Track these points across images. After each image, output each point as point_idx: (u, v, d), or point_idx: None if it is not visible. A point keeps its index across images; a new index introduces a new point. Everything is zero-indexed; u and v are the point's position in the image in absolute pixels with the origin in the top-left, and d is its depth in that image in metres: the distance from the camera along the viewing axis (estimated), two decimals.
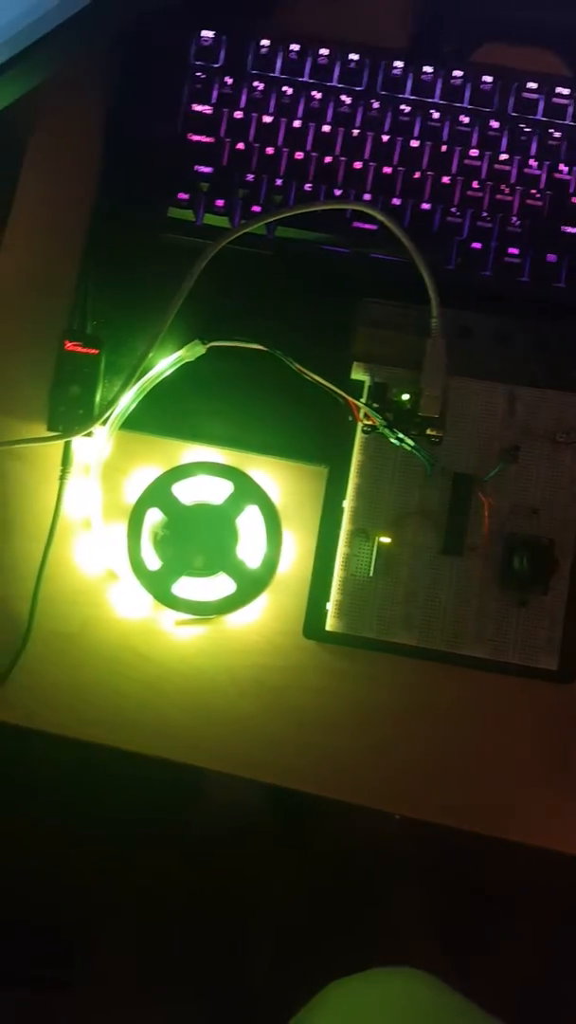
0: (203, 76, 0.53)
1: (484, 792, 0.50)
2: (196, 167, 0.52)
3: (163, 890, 0.84)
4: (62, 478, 0.51)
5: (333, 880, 0.84)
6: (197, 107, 0.52)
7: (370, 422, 0.50)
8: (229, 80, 0.52)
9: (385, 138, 0.52)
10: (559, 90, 0.52)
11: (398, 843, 0.84)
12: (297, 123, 0.52)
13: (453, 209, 0.52)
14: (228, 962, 0.84)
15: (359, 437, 0.51)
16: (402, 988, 0.53)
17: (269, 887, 0.84)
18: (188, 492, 0.51)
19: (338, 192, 0.52)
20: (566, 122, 0.53)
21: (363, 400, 0.51)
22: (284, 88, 0.52)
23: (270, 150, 0.52)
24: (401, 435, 0.50)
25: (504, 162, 0.52)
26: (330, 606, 0.50)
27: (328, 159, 0.52)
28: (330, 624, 0.50)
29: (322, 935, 0.82)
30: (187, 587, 0.50)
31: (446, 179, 0.52)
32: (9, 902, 0.83)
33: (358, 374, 0.51)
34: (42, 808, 0.84)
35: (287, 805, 0.83)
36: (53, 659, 0.50)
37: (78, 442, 0.52)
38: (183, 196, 0.52)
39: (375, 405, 0.51)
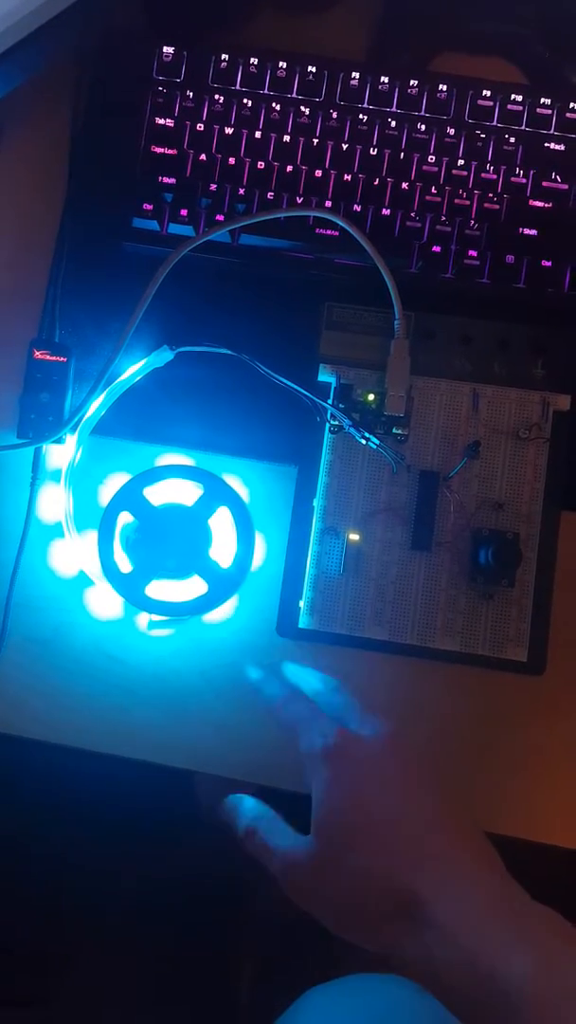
0: (165, 90, 0.54)
1: (459, 785, 0.50)
2: (160, 178, 0.53)
3: (145, 898, 0.84)
4: (33, 484, 0.51)
5: None
6: (160, 120, 0.54)
7: (337, 422, 0.51)
8: (191, 93, 0.54)
9: (345, 146, 0.54)
10: (513, 97, 0.54)
11: None
12: (258, 134, 0.53)
13: (413, 214, 0.53)
14: (213, 971, 0.84)
15: (327, 437, 0.52)
16: (382, 995, 0.53)
17: (255, 892, 0.83)
18: (159, 495, 0.51)
19: (300, 200, 0.53)
20: (521, 128, 0.54)
21: (330, 401, 0.52)
22: (244, 100, 0.54)
23: (232, 160, 0.53)
24: (367, 434, 0.51)
25: (461, 167, 0.54)
26: (302, 604, 0.50)
27: (289, 168, 0.53)
28: (303, 621, 0.50)
29: (311, 941, 0.81)
30: (160, 589, 0.50)
31: (405, 185, 0.53)
32: None
33: (325, 376, 0.52)
34: (20, 816, 0.83)
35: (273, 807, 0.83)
36: (27, 665, 0.51)
37: (49, 448, 0.52)
38: (148, 206, 0.53)
39: (341, 406, 0.52)
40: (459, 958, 0.34)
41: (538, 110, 0.54)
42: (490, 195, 0.53)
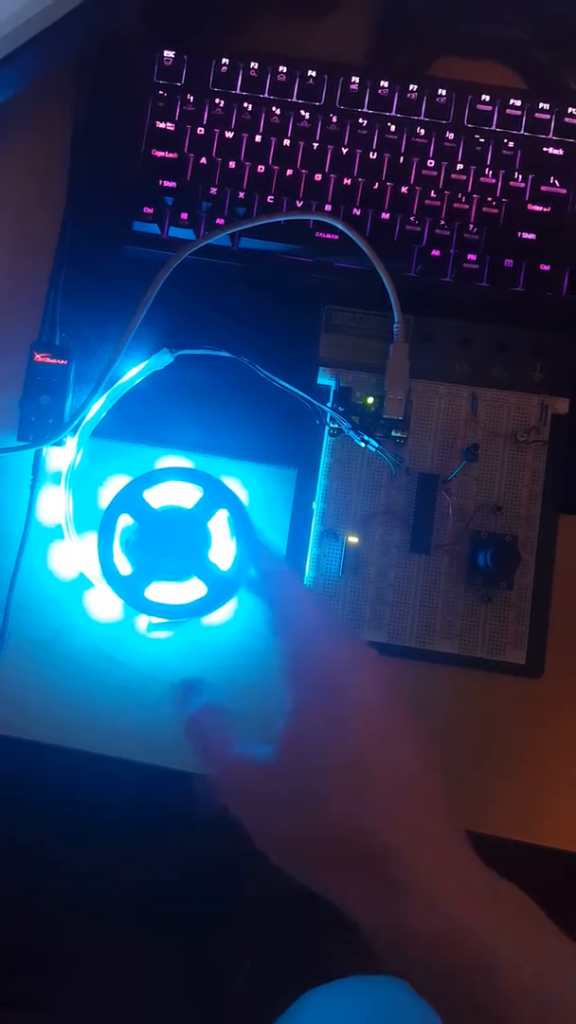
0: (165, 94, 0.54)
1: (458, 787, 0.50)
2: (161, 182, 0.53)
3: (145, 900, 0.84)
4: (33, 487, 0.52)
5: None
6: (160, 124, 0.54)
7: (336, 425, 0.52)
8: (191, 97, 0.54)
9: (344, 151, 0.54)
10: (512, 101, 0.54)
11: None
12: (258, 138, 0.54)
13: (412, 218, 0.53)
14: (212, 973, 0.84)
15: (326, 440, 0.52)
16: (378, 996, 0.53)
17: (254, 894, 0.84)
18: (159, 497, 0.51)
19: (300, 203, 0.53)
20: (520, 132, 0.54)
21: (329, 404, 0.52)
22: (245, 104, 0.54)
23: (232, 164, 0.53)
24: (366, 437, 0.51)
25: (460, 172, 0.54)
26: None
27: (289, 172, 0.53)
28: None
29: (310, 943, 0.81)
30: (159, 591, 0.51)
31: (404, 189, 0.54)
32: None
33: (324, 379, 0.53)
34: (18, 817, 0.83)
35: None
36: (27, 667, 0.51)
37: (49, 451, 0.52)
38: (148, 210, 0.53)
39: (341, 408, 0.52)
40: (439, 929, 0.32)
41: (537, 115, 0.54)
42: (489, 199, 0.54)
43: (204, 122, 0.54)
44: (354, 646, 0.37)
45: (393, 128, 0.54)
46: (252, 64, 0.54)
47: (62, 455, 0.52)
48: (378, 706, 0.36)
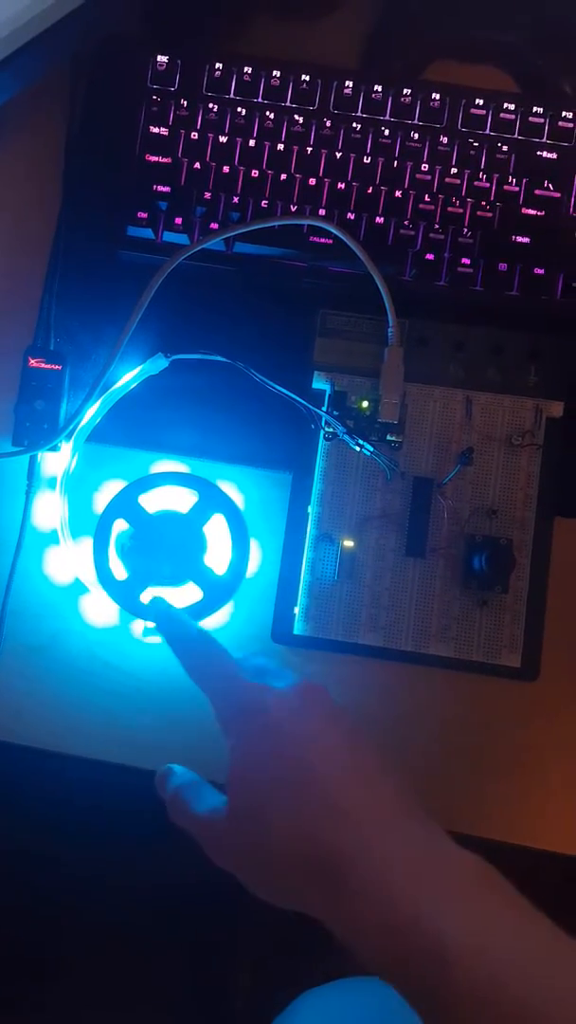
0: (159, 99, 0.54)
1: (454, 790, 0.50)
2: (155, 186, 0.53)
3: (142, 902, 0.84)
4: (28, 492, 0.52)
5: None
6: (154, 128, 0.54)
7: (331, 429, 0.52)
8: (185, 102, 0.54)
9: (338, 155, 0.54)
10: (506, 105, 0.54)
11: None
12: (252, 142, 0.54)
13: (406, 222, 0.53)
14: (210, 973, 0.84)
15: (321, 444, 0.52)
16: (374, 997, 0.53)
17: (251, 895, 0.84)
18: (154, 502, 0.52)
19: (294, 208, 0.53)
20: (514, 136, 0.54)
21: (324, 408, 0.52)
22: (238, 109, 0.54)
23: (226, 169, 0.53)
24: (361, 441, 0.51)
25: (454, 176, 0.54)
26: (297, 610, 0.51)
27: (283, 176, 0.53)
28: (298, 628, 0.51)
29: (308, 943, 0.82)
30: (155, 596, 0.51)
31: (399, 193, 0.54)
32: None
33: (319, 383, 0.53)
34: (15, 822, 0.83)
35: None
36: (23, 672, 0.51)
37: (44, 456, 0.52)
38: (142, 215, 0.53)
39: (336, 413, 0.52)
40: (389, 925, 0.32)
41: (530, 119, 0.54)
42: (483, 203, 0.54)
43: (198, 127, 0.54)
44: (284, 689, 0.39)
45: (387, 132, 0.54)
46: (245, 68, 0.54)
47: (57, 460, 0.52)
48: (306, 728, 0.37)
